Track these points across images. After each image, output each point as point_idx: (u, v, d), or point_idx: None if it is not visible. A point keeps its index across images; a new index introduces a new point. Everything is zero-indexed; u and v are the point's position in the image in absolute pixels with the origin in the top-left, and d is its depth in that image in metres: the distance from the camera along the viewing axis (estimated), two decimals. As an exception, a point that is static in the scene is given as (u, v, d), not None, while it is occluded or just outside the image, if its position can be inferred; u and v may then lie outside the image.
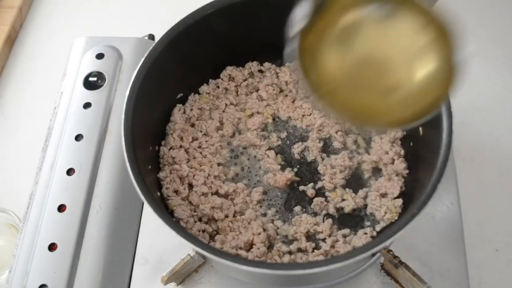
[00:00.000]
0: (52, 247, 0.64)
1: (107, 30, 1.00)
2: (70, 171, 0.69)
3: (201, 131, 0.68)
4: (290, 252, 0.60)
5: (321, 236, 0.61)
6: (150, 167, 0.61)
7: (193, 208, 0.62)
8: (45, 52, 1.00)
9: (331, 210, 0.63)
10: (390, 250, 0.59)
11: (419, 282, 0.55)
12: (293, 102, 0.71)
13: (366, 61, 0.41)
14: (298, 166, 0.67)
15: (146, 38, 0.86)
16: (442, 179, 0.50)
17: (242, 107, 0.71)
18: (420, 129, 0.61)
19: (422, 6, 0.40)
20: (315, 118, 0.68)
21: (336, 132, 0.67)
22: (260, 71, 0.73)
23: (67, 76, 0.78)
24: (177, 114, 0.68)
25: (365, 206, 0.64)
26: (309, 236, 0.61)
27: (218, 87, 0.72)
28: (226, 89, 0.72)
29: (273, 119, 0.70)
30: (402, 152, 0.65)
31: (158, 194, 0.62)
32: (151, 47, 0.60)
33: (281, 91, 0.72)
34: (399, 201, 0.62)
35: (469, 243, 0.65)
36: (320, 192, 0.65)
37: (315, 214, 0.63)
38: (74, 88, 0.76)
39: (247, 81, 0.72)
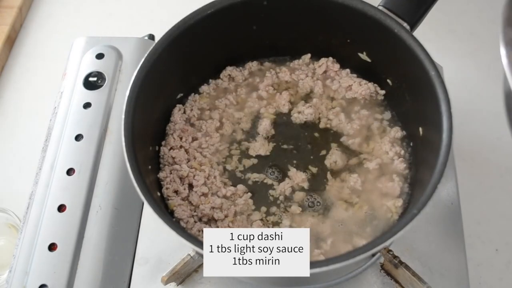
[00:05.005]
0: (52, 247, 0.64)
1: (107, 30, 1.00)
2: (70, 171, 0.69)
3: (201, 131, 0.68)
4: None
5: (321, 236, 0.61)
6: (150, 167, 0.61)
7: (193, 208, 0.62)
8: (45, 52, 1.00)
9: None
10: (390, 250, 0.59)
11: (419, 282, 0.55)
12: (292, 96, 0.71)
13: None
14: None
15: (146, 38, 0.86)
16: (442, 179, 0.50)
17: (242, 106, 0.71)
18: (420, 129, 0.61)
19: None
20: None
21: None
22: (260, 70, 0.73)
23: (67, 76, 0.78)
24: (177, 114, 0.68)
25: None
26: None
27: (218, 87, 0.72)
28: (226, 89, 0.72)
29: (276, 116, 0.70)
30: (402, 152, 0.65)
31: (158, 194, 0.62)
32: (151, 47, 0.60)
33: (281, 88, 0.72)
34: (399, 201, 0.62)
35: (469, 243, 0.65)
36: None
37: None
38: (74, 88, 0.76)
39: (247, 81, 0.72)
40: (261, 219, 0.62)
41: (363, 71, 0.70)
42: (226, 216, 0.62)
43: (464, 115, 0.87)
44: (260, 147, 0.67)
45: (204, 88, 0.71)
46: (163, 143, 0.66)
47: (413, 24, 0.61)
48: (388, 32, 0.59)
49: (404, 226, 0.48)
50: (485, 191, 0.80)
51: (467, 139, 0.84)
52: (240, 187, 0.64)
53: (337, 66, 0.71)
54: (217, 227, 0.61)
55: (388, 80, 0.67)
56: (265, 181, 0.65)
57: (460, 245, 0.64)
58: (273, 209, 0.63)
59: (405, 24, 0.60)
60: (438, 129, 0.53)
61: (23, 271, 0.63)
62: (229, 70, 0.72)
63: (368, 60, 0.67)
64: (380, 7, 0.61)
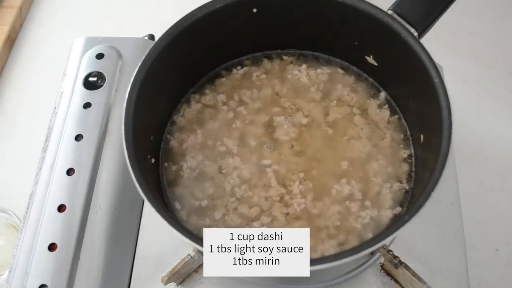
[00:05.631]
0: (52, 247, 0.64)
1: (107, 30, 1.00)
2: (70, 171, 0.69)
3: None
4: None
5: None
6: (150, 165, 0.61)
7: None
8: (45, 52, 1.00)
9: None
10: (390, 250, 0.59)
11: (419, 282, 0.55)
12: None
13: None
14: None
15: (146, 38, 0.86)
16: (442, 179, 0.50)
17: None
18: (422, 136, 0.62)
19: None
20: None
21: None
22: (259, 68, 0.73)
23: (67, 76, 0.78)
24: (178, 114, 0.68)
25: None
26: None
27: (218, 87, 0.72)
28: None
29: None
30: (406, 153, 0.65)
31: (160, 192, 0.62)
32: (151, 47, 0.60)
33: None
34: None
35: (469, 243, 0.65)
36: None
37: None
38: (74, 88, 0.76)
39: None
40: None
41: (369, 73, 0.70)
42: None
43: (464, 115, 0.87)
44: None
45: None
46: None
47: (422, 31, 0.61)
48: (395, 37, 0.59)
49: (399, 228, 0.49)
50: (485, 191, 0.80)
51: (467, 139, 0.84)
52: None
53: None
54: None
55: (394, 85, 0.67)
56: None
57: (460, 245, 0.64)
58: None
59: (412, 30, 0.60)
60: (438, 137, 0.53)
61: (23, 271, 0.63)
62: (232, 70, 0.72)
63: (375, 63, 0.67)
64: (390, 11, 0.61)
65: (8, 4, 1.02)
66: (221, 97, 0.70)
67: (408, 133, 0.66)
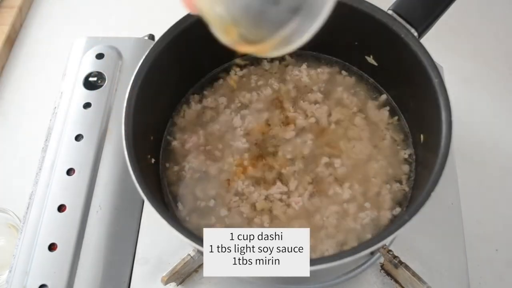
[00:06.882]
0: (52, 247, 0.64)
1: (107, 30, 1.00)
2: (70, 171, 0.69)
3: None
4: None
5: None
6: (150, 165, 0.61)
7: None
8: (45, 52, 1.00)
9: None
10: (390, 250, 0.59)
11: (419, 282, 0.55)
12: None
13: None
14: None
15: (146, 38, 0.86)
16: (442, 179, 0.50)
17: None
18: (422, 136, 0.62)
19: None
20: None
21: None
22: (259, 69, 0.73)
23: (67, 76, 0.78)
24: (178, 114, 0.68)
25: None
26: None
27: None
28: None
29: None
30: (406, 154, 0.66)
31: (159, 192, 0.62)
32: (151, 47, 0.60)
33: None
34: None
35: (469, 243, 0.65)
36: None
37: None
38: (74, 88, 0.76)
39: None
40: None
41: (369, 74, 0.70)
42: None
43: (464, 115, 0.87)
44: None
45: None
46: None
47: (422, 31, 0.61)
48: (395, 37, 0.59)
49: (399, 228, 0.49)
50: (485, 191, 0.80)
51: (467, 139, 0.84)
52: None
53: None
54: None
55: (394, 85, 0.67)
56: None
57: (460, 245, 0.64)
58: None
59: (412, 30, 0.60)
60: (437, 137, 0.53)
61: (23, 271, 0.63)
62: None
63: (375, 63, 0.67)
64: (390, 11, 0.61)
65: (8, 4, 1.02)
66: (222, 99, 0.70)
67: (408, 133, 0.66)
